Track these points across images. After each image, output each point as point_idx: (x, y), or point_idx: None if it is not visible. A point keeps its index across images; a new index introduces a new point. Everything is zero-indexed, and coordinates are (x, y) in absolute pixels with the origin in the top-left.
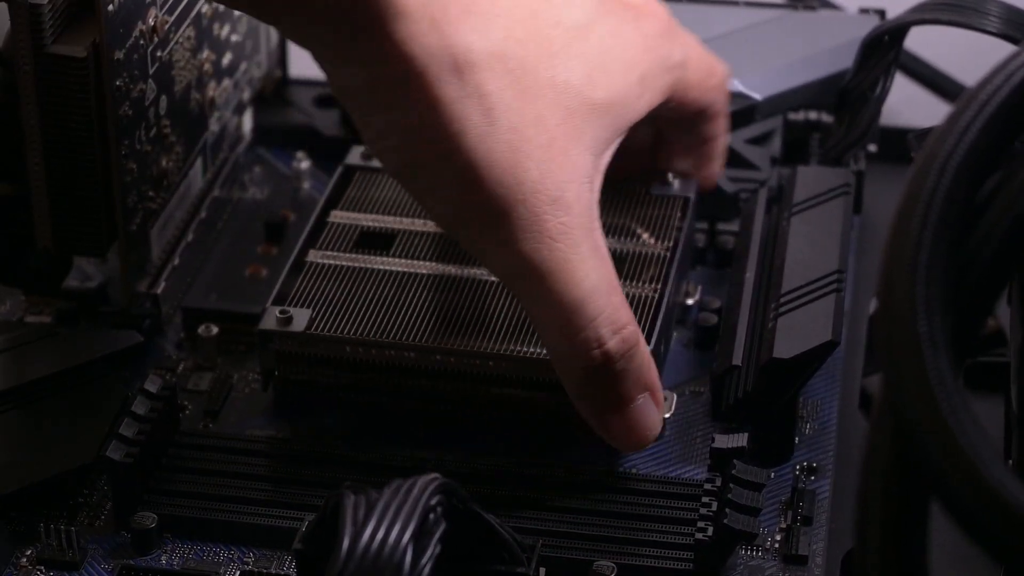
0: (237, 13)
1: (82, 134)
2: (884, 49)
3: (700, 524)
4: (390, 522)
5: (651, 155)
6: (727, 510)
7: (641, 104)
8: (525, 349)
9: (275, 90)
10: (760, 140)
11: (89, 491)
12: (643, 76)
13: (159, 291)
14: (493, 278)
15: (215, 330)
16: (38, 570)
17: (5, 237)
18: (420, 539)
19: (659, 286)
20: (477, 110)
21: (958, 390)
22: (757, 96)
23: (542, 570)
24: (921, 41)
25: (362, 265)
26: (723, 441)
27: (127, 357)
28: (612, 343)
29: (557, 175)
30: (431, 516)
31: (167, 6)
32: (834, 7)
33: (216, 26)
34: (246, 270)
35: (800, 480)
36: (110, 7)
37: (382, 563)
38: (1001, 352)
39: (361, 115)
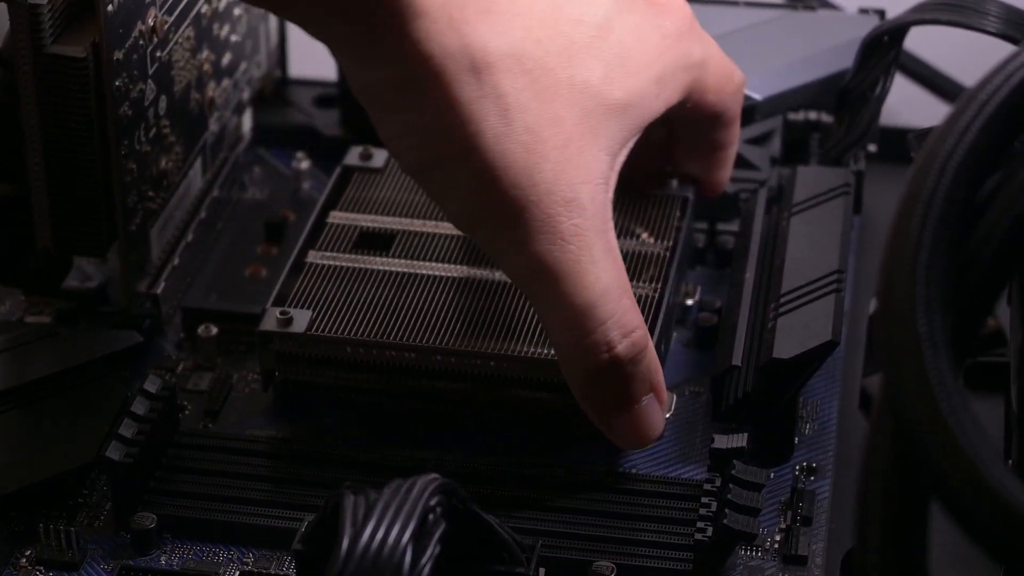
0: (237, 13)
1: (82, 134)
2: (884, 49)
3: (700, 524)
4: (390, 522)
5: (663, 155)
6: (727, 510)
7: (658, 103)
8: (525, 349)
9: (275, 90)
10: (760, 140)
11: (89, 491)
12: (661, 74)
13: (159, 291)
14: (493, 278)
15: (215, 330)
16: (38, 570)
17: (5, 237)
18: (420, 539)
19: (659, 285)
20: (494, 111)
21: (958, 390)
22: (757, 96)
23: (541, 570)
24: (921, 41)
25: (362, 266)
26: (723, 441)
27: (127, 357)
28: (622, 347)
29: (572, 176)
30: (431, 516)
31: (167, 6)
32: (834, 7)
33: (216, 26)
34: (246, 270)
35: (800, 480)
36: (110, 7)
37: (382, 563)
38: (1001, 352)
39: (378, 113)
